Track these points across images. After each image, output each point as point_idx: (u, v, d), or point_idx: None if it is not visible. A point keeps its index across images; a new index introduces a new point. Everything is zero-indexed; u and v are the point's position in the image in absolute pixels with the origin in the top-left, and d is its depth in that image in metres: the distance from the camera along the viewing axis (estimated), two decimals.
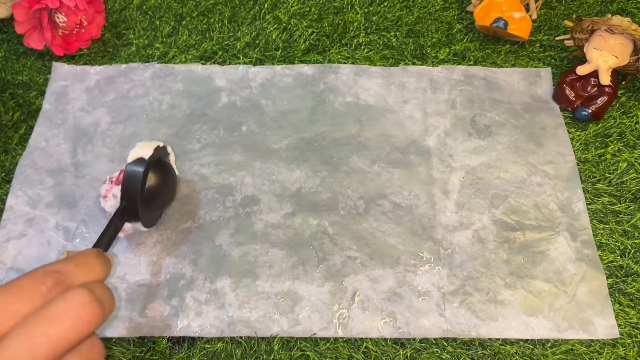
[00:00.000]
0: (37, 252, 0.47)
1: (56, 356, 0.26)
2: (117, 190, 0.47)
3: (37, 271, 0.29)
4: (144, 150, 0.43)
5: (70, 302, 0.27)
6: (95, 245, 0.38)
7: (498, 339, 0.44)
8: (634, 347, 0.44)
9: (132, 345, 0.44)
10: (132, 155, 0.43)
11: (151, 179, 0.44)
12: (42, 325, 0.26)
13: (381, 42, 0.61)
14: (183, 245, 0.48)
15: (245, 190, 0.51)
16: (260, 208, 0.50)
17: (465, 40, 0.62)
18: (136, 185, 0.42)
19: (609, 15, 0.54)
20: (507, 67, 0.59)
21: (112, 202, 0.47)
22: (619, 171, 0.53)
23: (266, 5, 0.64)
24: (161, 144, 0.45)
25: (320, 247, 0.48)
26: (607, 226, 0.50)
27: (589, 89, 0.56)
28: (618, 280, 0.47)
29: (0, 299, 0.27)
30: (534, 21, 0.63)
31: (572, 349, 0.44)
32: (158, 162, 0.46)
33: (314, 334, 0.44)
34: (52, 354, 0.26)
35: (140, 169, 0.42)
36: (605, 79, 0.54)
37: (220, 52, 0.60)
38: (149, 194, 0.44)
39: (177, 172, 0.49)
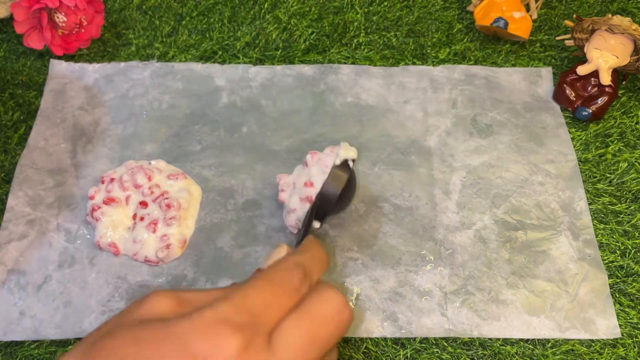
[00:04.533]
0: (38, 254, 0.47)
1: (318, 357, 0.26)
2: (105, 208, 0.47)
3: (285, 263, 0.29)
4: (350, 152, 0.43)
5: (331, 305, 0.27)
6: (305, 236, 0.38)
7: (498, 339, 0.44)
8: (635, 347, 0.44)
9: None
10: (341, 156, 0.43)
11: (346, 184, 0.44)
12: (310, 323, 0.26)
13: (381, 42, 0.61)
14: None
15: (246, 194, 0.51)
16: (262, 212, 0.50)
17: (465, 40, 0.62)
18: (338, 188, 0.42)
19: (610, 15, 0.54)
20: (508, 67, 0.59)
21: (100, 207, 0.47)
22: (619, 171, 0.53)
23: (266, 5, 0.63)
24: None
25: None
26: (607, 226, 0.50)
27: (589, 88, 0.56)
28: (618, 281, 0.47)
29: (267, 290, 0.27)
30: (534, 21, 0.63)
31: (572, 349, 0.44)
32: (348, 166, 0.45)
33: None
34: (318, 355, 0.26)
35: (345, 174, 0.42)
36: (606, 78, 0.54)
37: (220, 52, 0.60)
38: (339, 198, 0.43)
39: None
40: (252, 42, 0.61)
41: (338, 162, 0.43)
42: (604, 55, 0.53)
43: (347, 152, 0.43)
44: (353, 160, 0.43)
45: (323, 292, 0.28)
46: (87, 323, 0.44)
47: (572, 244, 0.48)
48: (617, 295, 0.47)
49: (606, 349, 0.44)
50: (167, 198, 0.48)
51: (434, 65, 0.59)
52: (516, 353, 0.44)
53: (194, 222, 0.49)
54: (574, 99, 0.56)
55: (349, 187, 0.45)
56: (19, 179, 0.51)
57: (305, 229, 0.42)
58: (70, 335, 0.44)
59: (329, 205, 0.42)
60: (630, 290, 0.47)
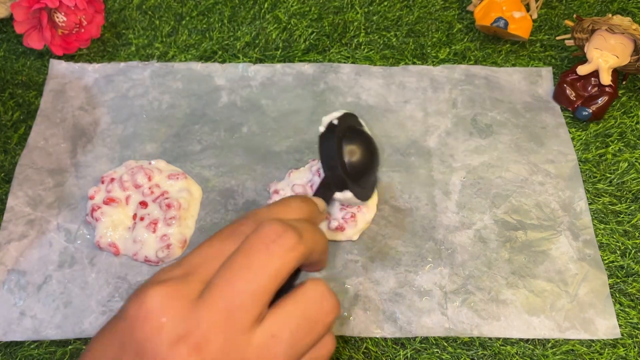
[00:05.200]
0: (38, 254, 0.47)
1: (263, 288, 0.25)
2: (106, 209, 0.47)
3: (239, 217, 0.29)
4: (332, 114, 0.41)
5: (262, 232, 0.26)
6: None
7: (498, 339, 0.45)
8: (635, 347, 0.44)
9: None
10: (324, 122, 0.41)
11: (354, 153, 0.41)
12: (240, 258, 0.26)
13: (381, 42, 0.61)
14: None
15: (246, 195, 0.51)
16: None
17: (465, 40, 0.62)
18: (333, 154, 0.39)
19: (610, 15, 0.54)
20: (508, 66, 0.59)
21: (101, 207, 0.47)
22: (619, 171, 0.53)
23: (266, 5, 0.63)
24: (347, 112, 0.42)
25: None
26: (607, 226, 0.50)
27: (589, 88, 0.56)
28: (619, 281, 0.47)
29: (206, 244, 0.28)
30: (534, 21, 0.63)
31: (572, 350, 0.44)
32: (352, 130, 0.42)
33: None
34: (257, 285, 0.25)
35: (332, 136, 0.39)
36: (606, 78, 0.54)
37: (220, 52, 0.60)
38: (352, 167, 0.41)
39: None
40: (252, 42, 0.61)
41: (322, 129, 0.41)
42: (604, 55, 0.53)
43: (330, 116, 0.42)
44: (338, 119, 0.41)
45: (259, 226, 0.27)
46: (87, 323, 0.44)
47: (572, 244, 0.48)
48: (617, 295, 0.47)
49: (606, 349, 0.44)
50: (167, 198, 0.48)
51: (434, 65, 0.59)
52: (516, 353, 0.44)
53: (194, 222, 0.49)
54: (574, 98, 0.56)
55: (358, 146, 0.42)
56: (19, 179, 0.51)
57: (323, 196, 0.39)
58: (70, 335, 0.44)
59: (335, 170, 0.39)
60: (630, 290, 0.47)
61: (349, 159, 0.41)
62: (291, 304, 0.26)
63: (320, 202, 0.35)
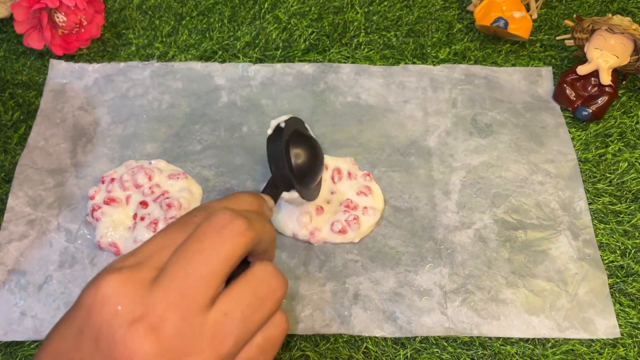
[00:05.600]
0: (39, 254, 0.47)
1: (215, 271, 0.26)
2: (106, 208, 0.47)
3: (191, 210, 0.30)
4: (280, 118, 0.43)
5: (213, 219, 0.27)
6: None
7: (498, 339, 0.45)
8: (635, 347, 0.44)
9: None
10: (272, 125, 0.43)
11: (299, 156, 0.43)
12: (192, 244, 0.27)
13: (381, 42, 0.61)
14: None
15: None
16: None
17: (465, 39, 0.62)
18: (280, 155, 0.41)
19: (610, 15, 0.54)
20: (508, 66, 0.59)
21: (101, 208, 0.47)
22: (619, 171, 0.53)
23: (266, 5, 0.63)
24: (293, 116, 0.45)
25: (321, 250, 0.48)
26: (607, 226, 0.50)
27: (589, 88, 0.56)
28: (618, 281, 0.47)
29: (159, 234, 0.28)
30: (534, 21, 0.63)
31: (572, 349, 0.44)
32: (298, 134, 0.44)
33: (316, 331, 0.44)
34: (209, 268, 0.26)
35: (279, 139, 0.42)
36: (606, 78, 0.54)
37: (220, 52, 0.60)
38: (298, 169, 0.43)
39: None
40: (252, 42, 0.61)
41: (270, 131, 0.43)
42: (604, 55, 0.53)
43: (276, 120, 0.43)
44: (286, 122, 0.43)
45: (210, 215, 0.28)
46: None
47: (571, 244, 0.49)
48: (617, 295, 0.47)
49: (606, 349, 0.44)
50: (167, 198, 0.48)
51: (434, 65, 0.59)
52: (516, 353, 0.44)
53: None
54: (574, 98, 0.56)
55: (303, 149, 0.44)
56: (19, 179, 0.51)
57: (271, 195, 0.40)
58: None
59: (282, 170, 0.41)
60: (630, 290, 0.47)
61: (295, 160, 0.43)
62: (242, 284, 0.27)
63: (269, 199, 0.36)
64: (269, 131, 0.43)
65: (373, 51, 0.60)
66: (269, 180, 0.41)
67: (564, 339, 0.45)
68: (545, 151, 0.54)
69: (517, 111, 0.56)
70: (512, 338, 0.45)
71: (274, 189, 0.40)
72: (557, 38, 0.61)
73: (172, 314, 0.25)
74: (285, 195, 0.43)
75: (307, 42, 0.61)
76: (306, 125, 0.47)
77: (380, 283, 0.46)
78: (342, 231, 0.47)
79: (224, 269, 0.26)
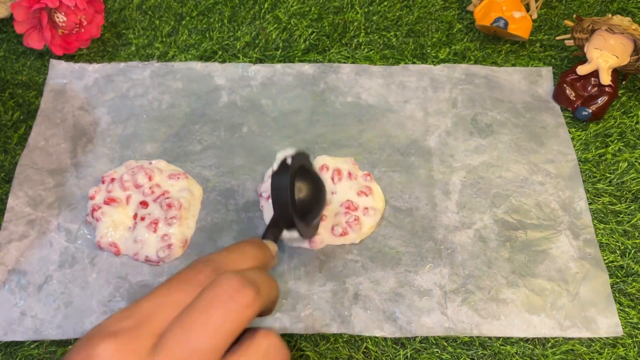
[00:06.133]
0: (39, 254, 0.47)
1: (218, 346, 0.25)
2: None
3: (194, 262, 0.29)
4: (286, 151, 0.43)
5: (220, 287, 0.26)
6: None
7: (498, 339, 0.45)
8: (635, 347, 0.44)
9: None
10: (278, 158, 0.42)
11: (301, 190, 0.42)
12: (197, 314, 0.26)
13: (381, 42, 0.61)
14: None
15: (247, 195, 0.51)
16: (262, 214, 0.50)
17: (465, 39, 0.62)
18: (285, 193, 0.40)
19: (610, 15, 0.54)
20: (508, 66, 0.60)
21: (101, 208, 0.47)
22: (619, 171, 0.53)
23: (266, 5, 0.63)
24: (300, 151, 0.43)
25: (321, 250, 0.48)
26: (607, 226, 0.50)
27: (589, 88, 0.56)
28: (618, 281, 0.47)
29: (161, 290, 0.27)
30: (534, 21, 0.63)
31: (572, 349, 0.44)
32: (303, 171, 0.43)
33: (316, 331, 0.44)
34: (212, 343, 0.25)
35: (285, 175, 0.40)
36: (606, 78, 0.54)
37: (220, 52, 0.60)
38: (301, 206, 0.42)
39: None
40: (252, 42, 0.61)
41: (276, 166, 0.41)
42: (604, 55, 0.53)
43: (283, 153, 0.43)
44: (292, 157, 0.41)
45: (217, 278, 0.27)
46: (88, 323, 0.44)
47: (572, 243, 0.49)
48: (617, 295, 0.47)
49: (606, 349, 0.44)
50: (168, 198, 0.48)
51: (434, 64, 0.59)
52: (516, 353, 0.44)
53: (194, 222, 0.49)
54: (574, 98, 0.56)
55: (307, 185, 0.43)
56: (19, 179, 0.51)
57: (273, 235, 0.40)
58: (71, 335, 0.44)
59: (286, 212, 0.40)
60: (630, 290, 0.47)
61: (298, 196, 0.42)
62: (243, 357, 0.26)
63: (273, 247, 0.35)
64: (275, 165, 0.42)
65: (373, 51, 0.60)
66: (271, 221, 0.41)
67: (564, 338, 0.45)
68: (545, 151, 0.54)
69: (517, 111, 0.56)
70: (512, 338, 0.45)
71: (275, 229, 0.40)
72: (557, 38, 0.61)
73: None
74: (285, 234, 0.42)
75: (307, 42, 0.61)
76: (311, 160, 0.46)
77: (380, 283, 0.46)
78: (343, 234, 0.47)
79: (226, 344, 0.26)
